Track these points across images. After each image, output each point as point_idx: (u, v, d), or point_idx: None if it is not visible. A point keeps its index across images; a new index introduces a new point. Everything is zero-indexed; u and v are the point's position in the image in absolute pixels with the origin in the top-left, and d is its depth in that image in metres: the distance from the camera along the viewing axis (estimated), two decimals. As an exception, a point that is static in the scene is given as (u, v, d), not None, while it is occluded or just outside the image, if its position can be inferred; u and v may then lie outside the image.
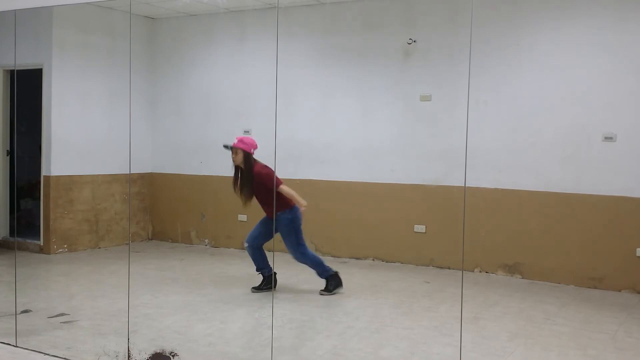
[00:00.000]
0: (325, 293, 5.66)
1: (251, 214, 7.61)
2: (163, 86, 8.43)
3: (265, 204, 5.63)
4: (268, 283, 5.76)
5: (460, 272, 6.50)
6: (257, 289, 5.77)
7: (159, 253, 7.78)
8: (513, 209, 6.50)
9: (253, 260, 5.77)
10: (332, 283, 5.70)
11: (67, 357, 4.04)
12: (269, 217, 5.66)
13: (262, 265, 5.77)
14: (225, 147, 5.62)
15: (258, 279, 5.83)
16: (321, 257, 5.85)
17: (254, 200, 5.64)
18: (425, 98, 6.87)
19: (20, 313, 4.86)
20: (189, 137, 8.25)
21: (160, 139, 8.46)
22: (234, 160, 5.59)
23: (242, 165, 5.57)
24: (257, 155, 7.71)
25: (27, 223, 8.03)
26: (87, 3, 6.27)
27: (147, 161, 8.43)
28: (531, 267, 6.41)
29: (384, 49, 7.06)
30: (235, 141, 5.56)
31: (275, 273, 5.80)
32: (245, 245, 5.77)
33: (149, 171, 8.47)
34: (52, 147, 7.36)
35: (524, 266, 6.45)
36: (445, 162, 6.72)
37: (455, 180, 6.63)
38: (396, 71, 7.02)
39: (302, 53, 7.50)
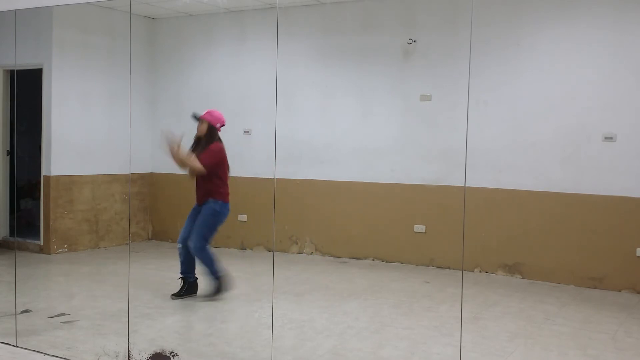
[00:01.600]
0: (209, 298, 5.42)
1: (251, 214, 7.64)
2: (163, 86, 8.43)
3: (201, 187, 5.43)
4: (190, 289, 5.54)
5: (460, 272, 6.50)
6: (178, 295, 5.49)
7: (159, 253, 7.77)
8: (513, 209, 6.50)
9: (182, 263, 5.53)
10: (217, 287, 5.44)
11: (67, 357, 4.04)
12: (199, 203, 5.48)
13: (189, 270, 5.54)
14: (194, 116, 5.46)
15: (257, 279, 5.78)
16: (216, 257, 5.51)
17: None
18: (425, 98, 6.87)
19: (20, 313, 4.85)
20: (189, 137, 8.23)
21: (160, 139, 8.45)
22: (198, 131, 5.44)
23: (203, 137, 5.42)
24: (258, 155, 7.75)
25: (27, 223, 8.02)
26: (87, 3, 6.27)
27: (147, 161, 8.42)
28: (531, 267, 6.41)
29: (384, 49, 7.06)
30: (204, 113, 5.45)
31: (197, 278, 5.58)
32: (178, 246, 5.55)
33: (149, 171, 8.46)
34: (52, 147, 7.36)
35: (524, 266, 6.45)
36: (445, 162, 6.72)
37: (455, 180, 6.63)
38: (396, 71, 7.02)
39: (302, 53, 7.50)
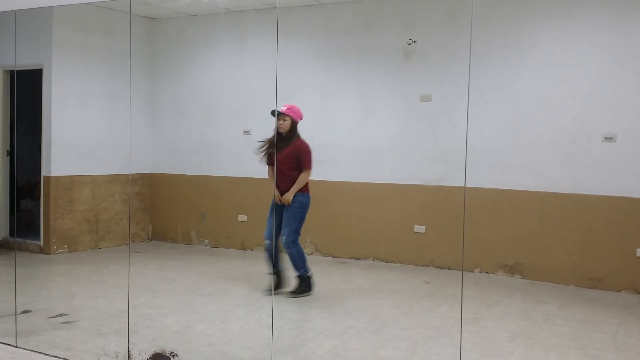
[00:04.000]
0: (294, 295, 5.49)
1: (251, 215, 7.63)
2: (163, 86, 8.43)
3: (282, 181, 5.52)
4: (282, 283, 5.59)
5: (460, 272, 6.50)
6: (295, 293, 5.55)
7: (159, 253, 7.77)
8: (513, 209, 6.50)
9: (270, 259, 5.58)
10: (303, 286, 5.55)
11: (67, 357, 4.04)
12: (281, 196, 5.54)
13: (278, 264, 5.62)
14: (273, 113, 5.49)
15: (257, 279, 5.76)
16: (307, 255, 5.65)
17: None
18: (425, 98, 6.87)
19: (20, 313, 4.85)
20: (189, 137, 8.25)
21: (160, 139, 8.46)
22: (280, 127, 5.48)
23: (286, 133, 5.48)
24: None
25: (27, 223, 8.03)
26: (87, 3, 6.27)
27: (147, 161, 8.43)
28: (531, 267, 6.41)
29: (384, 49, 7.06)
30: (284, 108, 5.51)
31: (284, 270, 5.65)
32: (266, 242, 5.58)
33: (149, 171, 8.47)
34: (52, 147, 7.36)
35: (524, 266, 6.45)
36: (445, 162, 6.72)
37: (455, 180, 6.63)
38: (396, 71, 7.02)
39: (302, 53, 7.50)
